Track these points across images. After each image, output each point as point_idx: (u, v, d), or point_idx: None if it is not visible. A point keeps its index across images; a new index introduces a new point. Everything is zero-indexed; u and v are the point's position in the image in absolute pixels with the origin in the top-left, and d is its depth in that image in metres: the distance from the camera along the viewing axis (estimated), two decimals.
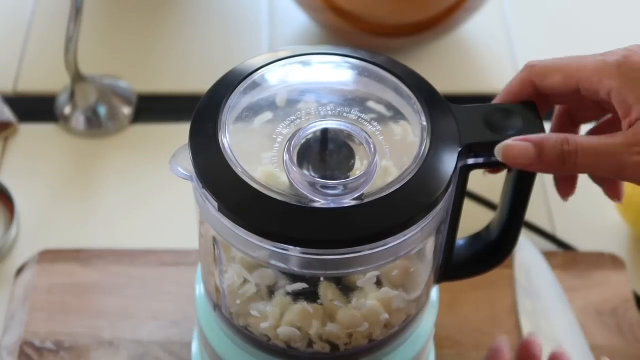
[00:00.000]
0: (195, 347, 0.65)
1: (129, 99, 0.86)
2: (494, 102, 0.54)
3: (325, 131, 0.50)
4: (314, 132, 0.50)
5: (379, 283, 0.52)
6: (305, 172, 0.48)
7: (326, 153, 0.51)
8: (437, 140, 0.49)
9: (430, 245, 0.52)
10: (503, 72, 0.89)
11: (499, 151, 0.50)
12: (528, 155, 0.49)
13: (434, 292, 0.60)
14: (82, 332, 0.69)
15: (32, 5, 0.95)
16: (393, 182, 0.48)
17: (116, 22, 0.94)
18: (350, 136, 0.50)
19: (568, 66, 0.51)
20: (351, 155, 0.50)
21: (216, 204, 0.47)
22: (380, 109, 0.52)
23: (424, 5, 0.83)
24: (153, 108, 0.86)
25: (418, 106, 0.51)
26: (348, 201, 0.47)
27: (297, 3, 0.88)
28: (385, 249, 0.48)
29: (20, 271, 0.73)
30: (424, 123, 0.50)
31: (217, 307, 0.55)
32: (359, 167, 0.50)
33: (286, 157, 0.48)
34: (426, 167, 0.48)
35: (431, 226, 0.50)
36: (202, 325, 0.58)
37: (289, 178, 0.48)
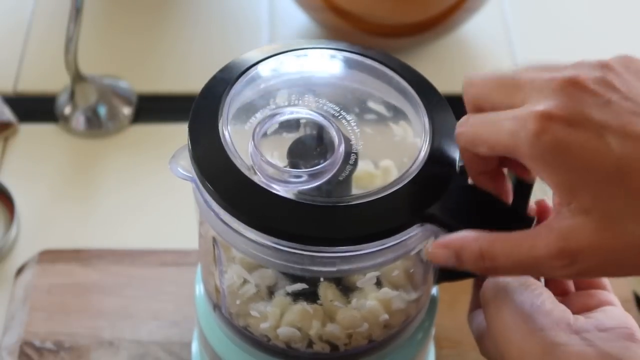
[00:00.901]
0: (195, 347, 0.65)
1: (129, 99, 0.86)
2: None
3: (319, 128, 0.50)
4: (304, 127, 0.50)
5: (378, 283, 0.52)
6: (270, 159, 0.48)
7: (315, 147, 0.51)
8: (438, 141, 0.49)
9: (430, 246, 0.52)
10: None
11: (426, 255, 0.49)
12: (450, 262, 0.48)
13: (434, 292, 0.60)
14: (82, 332, 0.69)
15: (32, 5, 0.95)
16: (393, 182, 0.48)
17: (116, 22, 0.94)
18: (337, 129, 0.50)
19: (487, 136, 0.45)
20: (331, 147, 0.50)
21: (200, 180, 0.47)
22: (381, 109, 0.52)
23: (424, 5, 0.83)
24: (153, 108, 0.86)
25: (420, 106, 0.51)
26: (348, 200, 0.47)
27: (297, 3, 0.88)
28: (385, 248, 0.48)
29: (20, 271, 0.73)
30: (426, 124, 0.50)
31: (216, 307, 0.55)
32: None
33: (250, 146, 0.48)
34: (427, 168, 0.48)
35: (431, 226, 0.50)
36: (201, 325, 0.58)
37: (253, 167, 0.48)
